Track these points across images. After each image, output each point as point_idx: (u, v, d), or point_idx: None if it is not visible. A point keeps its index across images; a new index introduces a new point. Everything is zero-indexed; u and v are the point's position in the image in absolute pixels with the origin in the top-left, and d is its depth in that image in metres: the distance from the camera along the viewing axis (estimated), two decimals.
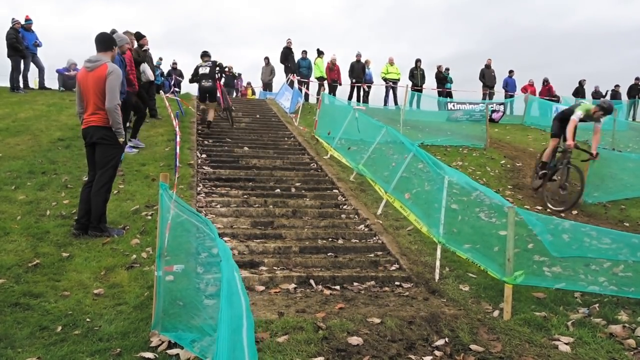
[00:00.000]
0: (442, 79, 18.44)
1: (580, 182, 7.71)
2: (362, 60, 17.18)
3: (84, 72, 5.09)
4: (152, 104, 11.30)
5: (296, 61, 16.92)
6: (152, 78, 9.56)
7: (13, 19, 12.81)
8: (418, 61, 17.72)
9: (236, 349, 1.72)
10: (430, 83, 18.70)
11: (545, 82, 19.05)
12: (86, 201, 5.12)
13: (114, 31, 9.43)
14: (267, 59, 19.74)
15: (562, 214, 7.25)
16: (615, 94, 19.81)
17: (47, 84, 14.30)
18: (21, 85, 13.12)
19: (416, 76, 17.51)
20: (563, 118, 8.16)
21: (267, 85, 20.10)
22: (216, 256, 2.64)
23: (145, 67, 9.71)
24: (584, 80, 19.72)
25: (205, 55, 10.85)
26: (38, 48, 13.51)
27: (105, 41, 5.12)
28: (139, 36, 10.55)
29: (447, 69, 18.77)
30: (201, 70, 10.62)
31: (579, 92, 19.53)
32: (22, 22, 12.97)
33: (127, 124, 9.08)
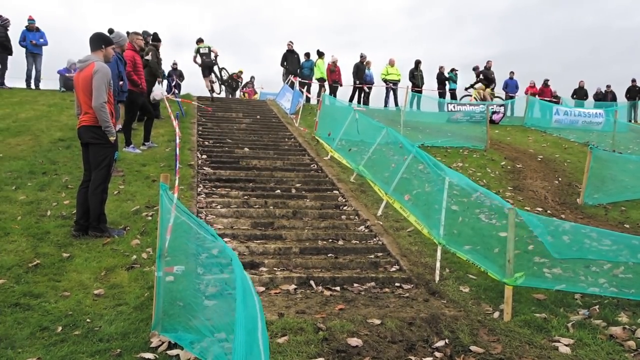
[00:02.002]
0: (443, 79, 18.43)
1: None
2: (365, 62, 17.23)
3: (77, 73, 5.18)
4: (157, 104, 11.32)
5: (300, 62, 16.92)
6: (158, 99, 9.61)
7: (1, 16, 12.95)
8: (418, 62, 17.74)
9: (253, 350, 1.72)
10: (432, 84, 18.69)
11: (546, 83, 19.05)
12: (83, 202, 5.13)
13: (111, 30, 9.45)
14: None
15: (563, 215, 7.24)
16: (606, 95, 19.79)
17: (48, 85, 14.38)
18: (5, 83, 13.34)
19: (416, 77, 17.51)
20: None
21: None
22: (217, 257, 2.64)
23: (156, 88, 9.77)
24: (583, 81, 19.73)
25: (201, 40, 14.17)
26: (43, 47, 13.61)
27: (94, 41, 5.13)
28: (156, 38, 10.65)
29: (453, 70, 18.76)
30: (202, 50, 14.05)
31: (577, 94, 19.54)
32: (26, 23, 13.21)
33: (133, 125, 9.14)
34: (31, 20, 13.37)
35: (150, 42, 10.98)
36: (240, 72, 21.23)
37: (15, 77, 13.76)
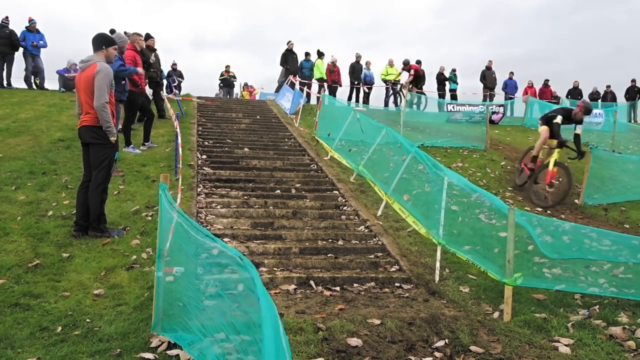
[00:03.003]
0: (443, 80, 18.43)
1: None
2: (362, 62, 17.23)
3: (78, 72, 5.21)
4: (161, 104, 11.33)
5: (299, 63, 16.94)
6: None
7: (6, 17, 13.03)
8: (418, 62, 17.74)
9: (279, 349, 1.72)
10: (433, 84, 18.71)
11: (546, 83, 19.06)
12: (83, 203, 5.14)
13: (112, 31, 9.46)
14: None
15: (562, 215, 7.25)
16: (606, 95, 19.80)
17: (47, 85, 14.35)
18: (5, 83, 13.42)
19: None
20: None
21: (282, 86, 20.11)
22: (217, 256, 2.64)
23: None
24: (577, 82, 19.75)
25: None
26: (41, 49, 13.65)
27: (96, 41, 5.15)
28: (146, 37, 10.63)
29: (454, 70, 18.77)
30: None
31: (571, 94, 19.55)
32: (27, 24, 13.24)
33: (132, 125, 9.15)
34: (31, 21, 13.40)
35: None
36: (228, 66, 21.12)
37: (14, 76, 13.76)
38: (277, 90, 20.04)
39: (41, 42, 13.56)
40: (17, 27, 13.47)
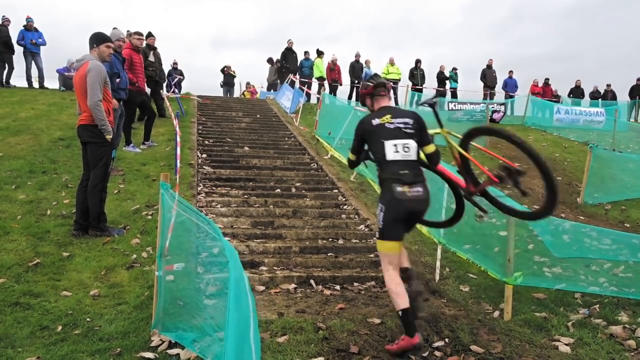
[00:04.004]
0: (443, 79, 18.42)
1: None
2: (362, 60, 17.24)
3: (75, 72, 5.22)
4: (161, 103, 11.32)
5: (299, 62, 16.94)
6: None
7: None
8: (418, 61, 17.76)
9: (244, 350, 1.72)
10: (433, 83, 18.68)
11: (547, 82, 19.04)
12: (82, 202, 5.14)
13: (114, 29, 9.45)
14: (270, 59, 19.76)
15: (563, 215, 7.24)
16: (606, 94, 19.78)
17: (48, 84, 14.34)
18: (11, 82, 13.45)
19: (416, 76, 17.52)
20: None
21: (272, 86, 20.10)
22: (217, 256, 2.64)
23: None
24: (580, 80, 19.73)
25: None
26: (41, 47, 13.63)
27: (89, 40, 5.19)
28: (147, 36, 10.62)
29: (454, 69, 18.76)
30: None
31: (573, 93, 19.53)
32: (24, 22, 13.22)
33: (133, 124, 9.14)
34: (29, 19, 13.41)
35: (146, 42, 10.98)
36: (229, 66, 21.10)
37: (15, 76, 13.78)
38: (269, 89, 20.10)
39: (40, 40, 13.55)
40: (16, 27, 13.52)
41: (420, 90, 17.46)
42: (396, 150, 3.34)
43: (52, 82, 14.64)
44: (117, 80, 7.82)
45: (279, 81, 18.06)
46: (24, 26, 13.32)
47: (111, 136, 5.13)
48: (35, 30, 13.49)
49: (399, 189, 3.26)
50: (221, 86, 21.47)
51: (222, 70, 21.05)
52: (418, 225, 5.39)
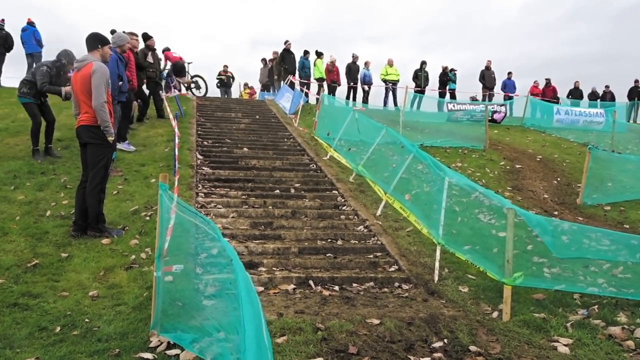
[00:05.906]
0: (445, 80, 18.42)
1: None
2: (359, 62, 17.29)
3: (74, 73, 5.18)
4: (160, 104, 11.31)
5: (297, 62, 16.95)
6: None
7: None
8: (423, 63, 17.79)
9: (261, 348, 1.72)
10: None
11: (547, 83, 19.05)
12: (81, 203, 5.14)
13: (113, 31, 9.48)
14: (264, 60, 19.77)
15: (561, 215, 7.24)
16: (605, 95, 19.80)
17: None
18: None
19: (420, 78, 17.54)
20: None
21: (265, 87, 20.10)
22: (216, 256, 2.64)
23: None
24: (578, 82, 19.74)
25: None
26: (42, 49, 13.67)
27: (90, 41, 5.13)
28: (145, 37, 10.64)
29: (453, 70, 18.78)
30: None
31: (572, 94, 19.54)
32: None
33: (132, 125, 9.18)
34: (30, 22, 13.45)
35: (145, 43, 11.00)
36: (226, 66, 21.07)
37: (15, 77, 13.82)
38: (263, 89, 20.09)
39: (38, 38, 13.63)
40: (16, 28, 13.55)
41: (423, 92, 17.46)
42: None
43: None
44: (120, 83, 7.84)
45: (274, 79, 18.06)
46: (23, 28, 13.35)
47: (113, 138, 5.12)
48: (34, 32, 13.52)
49: None
50: (217, 87, 21.48)
51: (220, 73, 21.04)
52: (418, 226, 5.41)
